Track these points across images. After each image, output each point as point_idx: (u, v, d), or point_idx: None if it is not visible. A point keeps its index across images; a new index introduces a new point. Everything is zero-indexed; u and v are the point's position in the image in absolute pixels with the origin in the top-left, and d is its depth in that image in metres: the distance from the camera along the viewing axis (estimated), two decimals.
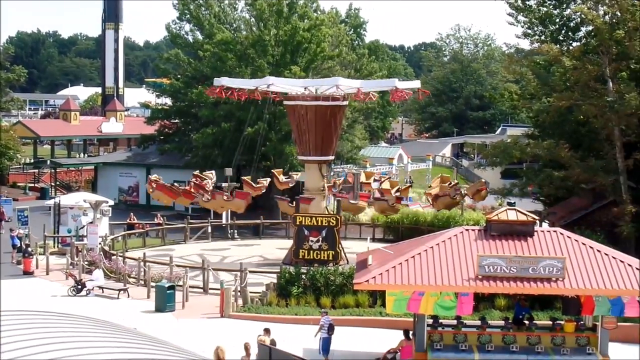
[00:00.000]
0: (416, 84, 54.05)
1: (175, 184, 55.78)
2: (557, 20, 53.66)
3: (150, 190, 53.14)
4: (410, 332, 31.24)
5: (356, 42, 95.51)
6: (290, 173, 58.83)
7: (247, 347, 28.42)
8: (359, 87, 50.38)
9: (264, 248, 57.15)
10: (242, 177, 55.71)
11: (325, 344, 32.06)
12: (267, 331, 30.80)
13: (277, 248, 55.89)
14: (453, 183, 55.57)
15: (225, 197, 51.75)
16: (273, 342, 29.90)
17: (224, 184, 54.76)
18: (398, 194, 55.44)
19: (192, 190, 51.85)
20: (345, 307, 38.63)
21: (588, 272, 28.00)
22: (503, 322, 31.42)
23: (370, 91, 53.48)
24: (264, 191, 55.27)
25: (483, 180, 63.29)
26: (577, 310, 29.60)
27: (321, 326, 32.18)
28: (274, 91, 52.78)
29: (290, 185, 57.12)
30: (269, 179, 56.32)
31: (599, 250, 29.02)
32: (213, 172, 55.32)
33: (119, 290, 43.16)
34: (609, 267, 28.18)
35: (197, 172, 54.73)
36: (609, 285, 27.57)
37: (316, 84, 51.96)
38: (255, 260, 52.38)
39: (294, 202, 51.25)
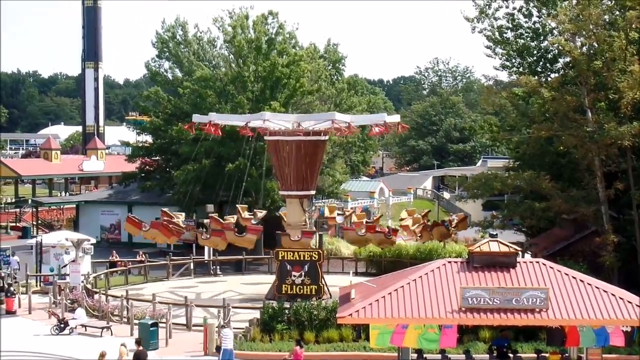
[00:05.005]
0: (382, 117, 53.20)
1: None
2: (535, 52, 54.05)
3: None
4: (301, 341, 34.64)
5: (335, 77, 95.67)
6: (254, 210, 58.28)
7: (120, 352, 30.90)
8: (296, 120, 50.57)
9: None
10: (255, 210, 55.74)
11: (225, 355, 34.79)
12: (138, 343, 32.92)
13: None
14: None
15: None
16: (144, 354, 30.85)
17: (205, 221, 54.53)
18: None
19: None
20: (329, 342, 38.46)
21: (572, 302, 28.03)
22: (487, 355, 31.39)
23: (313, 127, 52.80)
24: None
25: (448, 219, 60.55)
26: (561, 340, 29.59)
27: (222, 337, 35.45)
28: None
29: (253, 222, 55.70)
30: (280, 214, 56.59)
31: (581, 281, 29.07)
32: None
33: (102, 328, 42.87)
34: (592, 297, 28.22)
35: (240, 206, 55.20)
36: (593, 316, 27.61)
37: (252, 118, 52.21)
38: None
39: (276, 237, 51.18)
